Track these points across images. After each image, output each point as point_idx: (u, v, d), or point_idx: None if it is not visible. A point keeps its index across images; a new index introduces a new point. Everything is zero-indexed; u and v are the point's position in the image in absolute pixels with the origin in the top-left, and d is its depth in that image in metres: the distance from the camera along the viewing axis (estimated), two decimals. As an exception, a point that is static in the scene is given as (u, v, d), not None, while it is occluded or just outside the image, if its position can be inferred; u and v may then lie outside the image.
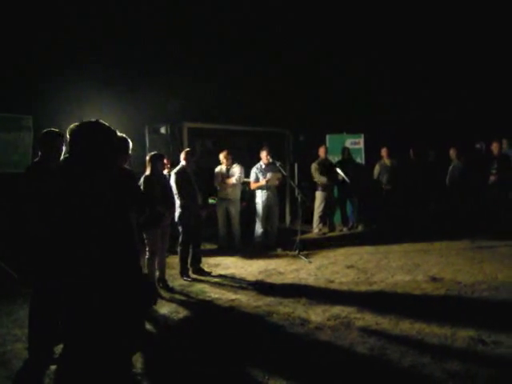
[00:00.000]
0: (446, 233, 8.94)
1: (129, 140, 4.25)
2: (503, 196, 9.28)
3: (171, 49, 10.50)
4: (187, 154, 6.77)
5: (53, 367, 3.65)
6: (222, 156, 8.33)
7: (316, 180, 9.81)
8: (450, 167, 9.98)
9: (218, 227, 8.49)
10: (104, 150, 2.49)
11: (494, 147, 9.44)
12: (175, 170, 6.65)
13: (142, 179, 5.78)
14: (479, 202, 9.73)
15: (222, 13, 11.21)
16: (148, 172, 5.85)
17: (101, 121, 2.58)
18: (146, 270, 5.62)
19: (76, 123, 2.56)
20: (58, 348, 3.70)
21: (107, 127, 2.56)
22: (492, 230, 8.70)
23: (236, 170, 8.25)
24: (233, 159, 8.33)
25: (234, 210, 8.30)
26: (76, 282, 2.35)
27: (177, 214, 6.50)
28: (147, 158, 5.96)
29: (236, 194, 8.31)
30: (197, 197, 6.67)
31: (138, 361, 3.72)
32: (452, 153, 10.02)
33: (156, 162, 5.89)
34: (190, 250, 6.72)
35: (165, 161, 7.36)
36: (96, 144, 2.47)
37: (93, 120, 2.57)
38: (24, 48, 7.98)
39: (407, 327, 4.41)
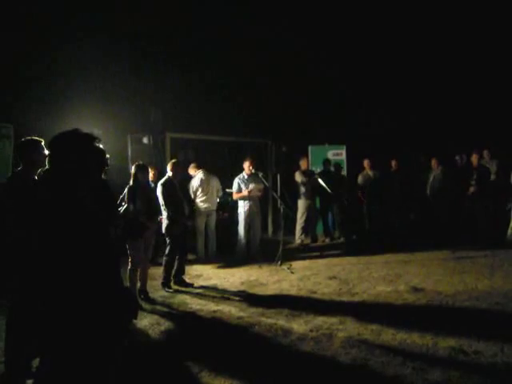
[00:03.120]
0: (426, 243, 9.02)
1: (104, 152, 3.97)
2: (482, 207, 9.41)
3: (154, 59, 10.49)
4: (174, 164, 6.70)
5: (30, 382, 3.57)
6: None
7: (297, 179, 9.83)
8: (431, 178, 10.11)
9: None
10: (83, 159, 2.45)
11: (474, 158, 9.59)
12: (161, 181, 6.57)
13: (125, 190, 5.74)
14: (458, 212, 9.86)
15: (205, 23, 11.25)
16: (131, 182, 5.80)
17: (79, 129, 2.53)
18: (127, 282, 5.56)
19: (55, 134, 2.50)
20: (36, 362, 3.62)
21: (86, 135, 2.52)
22: (471, 240, 8.79)
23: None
24: (196, 169, 8.33)
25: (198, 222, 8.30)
26: (56, 295, 2.30)
27: (164, 225, 6.45)
28: (132, 168, 5.93)
29: (200, 206, 8.26)
30: (183, 207, 6.63)
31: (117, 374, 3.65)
32: (433, 163, 10.16)
33: (138, 172, 5.84)
34: (176, 262, 6.67)
35: (151, 171, 7.36)
36: (75, 154, 2.43)
37: (70, 130, 2.52)
38: (4, 56, 7.89)
39: (389, 338, 4.42)
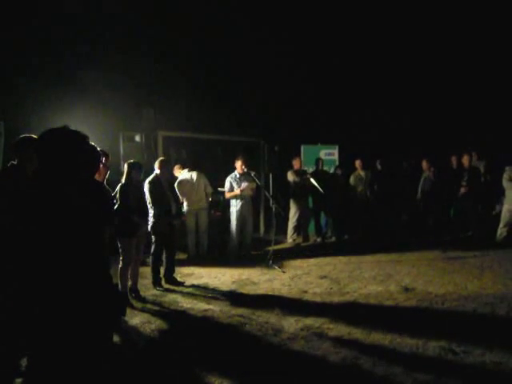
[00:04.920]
0: (417, 243, 9.06)
1: (95, 149, 3.64)
2: (473, 208, 9.47)
3: (146, 58, 10.46)
4: (162, 162, 6.70)
5: (18, 381, 3.55)
6: None
7: (290, 179, 9.84)
8: (422, 179, 10.15)
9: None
10: (71, 156, 2.43)
11: (465, 160, 9.65)
12: (149, 179, 6.55)
13: (117, 188, 5.71)
14: (449, 213, 9.92)
15: (199, 22, 11.23)
16: (123, 181, 5.77)
17: (68, 127, 2.51)
18: (118, 280, 5.54)
19: (43, 131, 2.47)
20: (24, 361, 3.60)
21: (75, 133, 2.49)
22: (462, 240, 8.84)
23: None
24: (181, 169, 8.33)
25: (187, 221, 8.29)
26: (44, 293, 2.29)
27: (150, 223, 6.42)
28: (125, 166, 5.90)
29: (189, 206, 8.24)
30: (170, 206, 6.61)
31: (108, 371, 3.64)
32: (424, 164, 10.20)
33: (132, 170, 5.81)
34: (164, 260, 6.65)
35: None
36: (64, 152, 2.40)
37: (59, 127, 2.49)
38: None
39: (379, 337, 4.43)
